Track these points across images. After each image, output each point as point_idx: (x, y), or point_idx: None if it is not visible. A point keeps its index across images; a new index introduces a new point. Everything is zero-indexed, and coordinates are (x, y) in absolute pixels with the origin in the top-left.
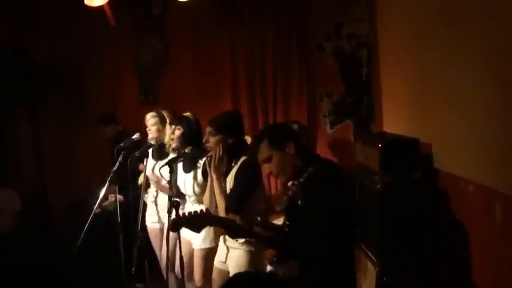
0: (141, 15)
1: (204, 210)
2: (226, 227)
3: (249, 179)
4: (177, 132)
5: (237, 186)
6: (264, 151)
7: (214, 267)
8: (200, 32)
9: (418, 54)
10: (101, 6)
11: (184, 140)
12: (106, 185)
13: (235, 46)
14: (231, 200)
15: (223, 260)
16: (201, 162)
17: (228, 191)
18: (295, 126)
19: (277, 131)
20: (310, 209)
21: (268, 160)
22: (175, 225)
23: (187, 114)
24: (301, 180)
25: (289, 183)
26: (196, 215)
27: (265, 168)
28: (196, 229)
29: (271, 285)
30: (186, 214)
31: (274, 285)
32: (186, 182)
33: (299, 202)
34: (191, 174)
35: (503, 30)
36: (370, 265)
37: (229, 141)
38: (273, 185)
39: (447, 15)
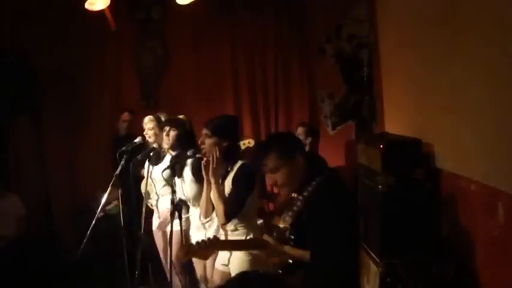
0: (141, 19)
1: (212, 237)
2: (240, 248)
3: (246, 184)
4: (172, 134)
5: (236, 191)
6: (272, 161)
7: (215, 270)
8: (200, 35)
9: (419, 54)
10: (102, 11)
11: (178, 141)
12: (109, 189)
13: (235, 49)
14: (230, 205)
15: (226, 262)
16: (188, 161)
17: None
18: (300, 130)
19: (288, 142)
20: (318, 221)
21: (274, 170)
22: (186, 255)
23: (181, 116)
24: (305, 194)
25: (294, 195)
26: (204, 242)
27: (270, 178)
28: (206, 257)
29: (276, 286)
30: (195, 243)
31: (280, 286)
32: (182, 185)
33: (306, 216)
34: (187, 177)
35: (504, 30)
36: (373, 266)
37: (224, 144)
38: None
39: (447, 15)
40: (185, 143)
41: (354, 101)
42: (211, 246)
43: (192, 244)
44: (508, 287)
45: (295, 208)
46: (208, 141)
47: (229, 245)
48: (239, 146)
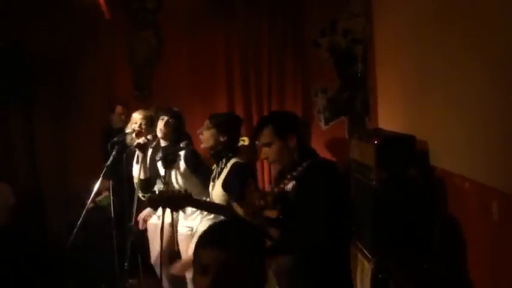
0: (135, 9)
1: (186, 191)
2: (209, 210)
3: (242, 183)
4: (170, 123)
5: (234, 190)
6: (266, 135)
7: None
8: (195, 27)
9: (414, 50)
10: (96, 0)
11: (174, 131)
12: (99, 180)
13: (230, 41)
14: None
15: None
16: (180, 153)
17: (217, 193)
18: None
19: (285, 120)
20: (303, 200)
21: (267, 145)
22: (155, 202)
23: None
24: (294, 174)
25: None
26: (177, 194)
27: (262, 153)
28: (176, 208)
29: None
30: (167, 192)
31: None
32: (177, 177)
33: (292, 194)
34: (181, 169)
35: (500, 27)
36: (365, 262)
37: (222, 139)
38: (266, 180)
39: (443, 11)
40: (179, 135)
41: (347, 96)
42: (182, 199)
43: (161, 192)
44: (499, 284)
45: (282, 186)
46: (206, 132)
47: (201, 204)
48: (236, 145)
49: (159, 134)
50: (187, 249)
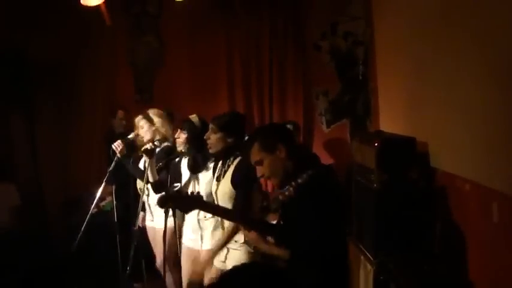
0: (136, 14)
1: (196, 194)
2: (219, 214)
3: (248, 183)
4: (182, 136)
5: (243, 195)
6: (255, 154)
7: (213, 267)
8: (196, 30)
9: (415, 52)
10: (97, 6)
11: (188, 143)
12: (102, 185)
13: (231, 45)
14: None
15: (223, 259)
16: (210, 165)
17: (224, 190)
18: (289, 127)
19: (268, 134)
20: (304, 208)
21: (259, 163)
22: (164, 201)
23: (192, 116)
24: (299, 181)
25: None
26: (188, 196)
27: (258, 171)
28: (185, 209)
29: (270, 277)
30: (177, 192)
31: (273, 277)
32: (199, 182)
33: (294, 202)
34: (202, 175)
35: (501, 28)
36: (367, 264)
37: (229, 140)
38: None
39: (444, 12)
40: (195, 145)
41: (348, 98)
42: (193, 201)
43: (171, 192)
44: (500, 285)
45: (286, 193)
46: (213, 136)
47: (211, 208)
48: (242, 143)
49: (181, 147)
50: (187, 263)
